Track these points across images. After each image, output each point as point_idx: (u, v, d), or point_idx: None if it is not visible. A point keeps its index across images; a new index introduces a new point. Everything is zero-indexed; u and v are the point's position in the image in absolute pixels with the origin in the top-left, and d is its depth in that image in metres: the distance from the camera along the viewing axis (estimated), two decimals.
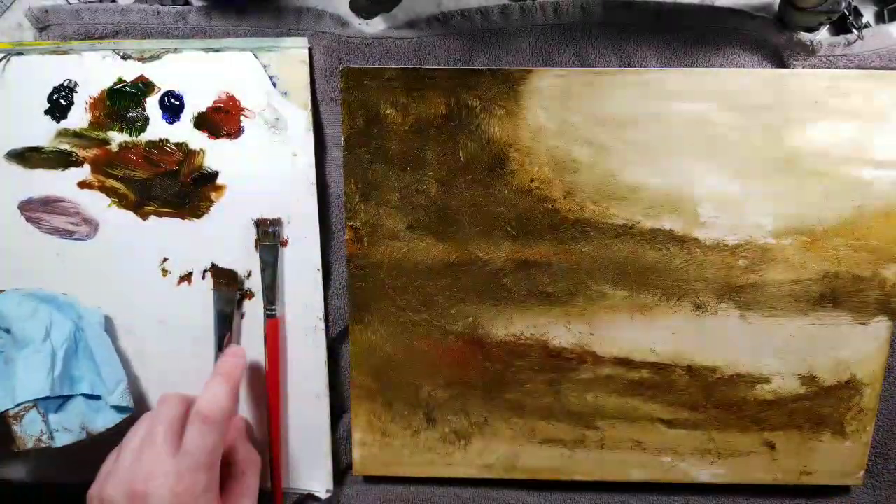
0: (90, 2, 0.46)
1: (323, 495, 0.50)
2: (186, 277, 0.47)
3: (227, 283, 0.46)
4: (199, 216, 0.46)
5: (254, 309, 0.47)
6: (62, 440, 0.43)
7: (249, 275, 0.47)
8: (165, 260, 0.47)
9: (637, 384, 0.47)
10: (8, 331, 0.44)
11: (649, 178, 0.44)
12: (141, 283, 0.47)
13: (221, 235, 0.46)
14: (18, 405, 0.42)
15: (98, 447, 0.47)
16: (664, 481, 0.49)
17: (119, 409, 0.45)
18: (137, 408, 0.47)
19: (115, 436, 0.44)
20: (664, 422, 0.48)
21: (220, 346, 0.46)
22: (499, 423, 0.48)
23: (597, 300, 0.46)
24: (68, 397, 0.44)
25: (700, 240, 0.45)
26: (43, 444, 0.42)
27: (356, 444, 0.49)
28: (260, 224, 0.46)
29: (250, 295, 0.47)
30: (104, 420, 0.45)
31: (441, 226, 0.45)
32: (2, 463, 0.51)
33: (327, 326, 0.48)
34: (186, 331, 0.48)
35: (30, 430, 0.42)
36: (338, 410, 0.50)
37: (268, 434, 0.48)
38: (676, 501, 0.50)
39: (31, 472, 0.51)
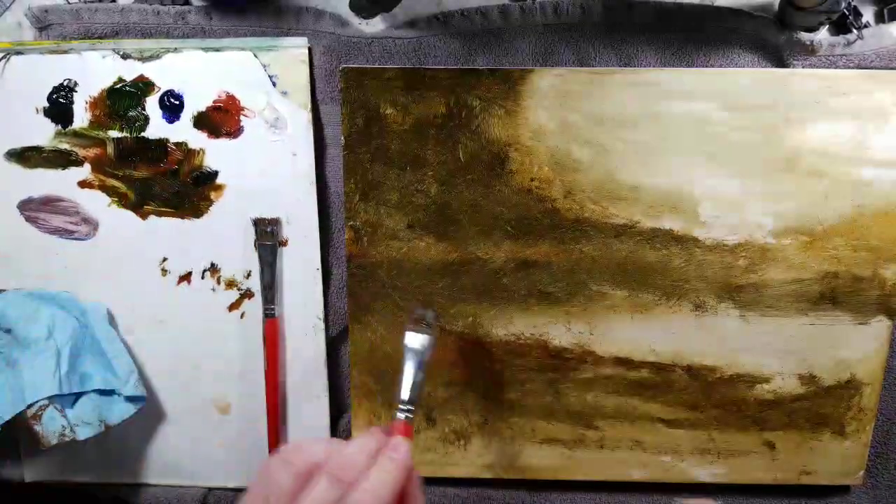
0: (90, 1, 0.46)
1: None
2: (186, 277, 0.47)
3: (423, 322, 0.40)
4: (198, 216, 0.46)
5: (253, 308, 0.47)
6: (84, 433, 0.43)
7: (249, 274, 0.47)
8: (165, 259, 0.47)
9: (637, 384, 0.47)
10: (9, 331, 0.44)
11: (649, 178, 0.44)
12: (141, 282, 0.47)
13: (221, 235, 0.46)
14: (31, 405, 0.42)
15: (96, 446, 0.47)
16: (664, 481, 0.49)
17: (133, 399, 0.46)
18: (140, 409, 0.47)
19: (129, 426, 0.45)
20: (664, 421, 0.48)
21: (410, 399, 0.37)
22: (498, 422, 0.48)
23: (597, 300, 0.46)
24: (80, 393, 0.44)
25: (700, 239, 0.45)
26: (67, 439, 0.42)
27: None
28: (258, 223, 0.46)
29: (250, 294, 0.47)
30: (120, 412, 0.45)
31: (441, 225, 0.45)
32: (1, 463, 0.51)
33: (327, 326, 0.48)
34: (186, 330, 0.48)
35: (51, 427, 0.42)
36: (337, 410, 0.50)
37: (267, 434, 0.48)
38: (676, 501, 0.50)
39: (32, 472, 0.51)
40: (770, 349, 0.46)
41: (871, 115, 0.42)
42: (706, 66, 0.44)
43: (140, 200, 0.46)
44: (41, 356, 0.43)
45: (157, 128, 0.45)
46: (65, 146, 0.45)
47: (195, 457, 0.50)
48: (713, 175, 0.44)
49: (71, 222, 0.46)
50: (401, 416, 0.36)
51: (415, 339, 0.38)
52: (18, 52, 0.44)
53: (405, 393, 0.36)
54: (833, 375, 0.47)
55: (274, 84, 0.44)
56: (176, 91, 0.44)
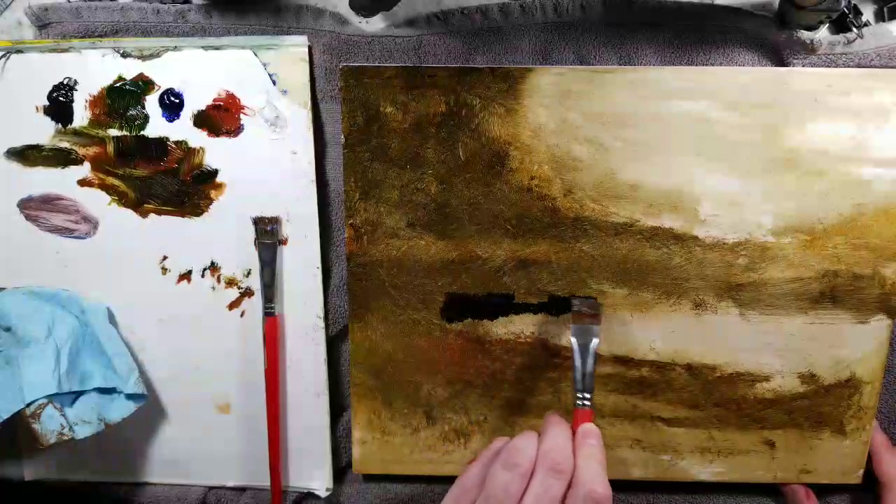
0: (90, 0, 0.46)
1: (323, 494, 0.50)
2: (186, 276, 0.47)
3: (584, 314, 0.42)
4: (198, 214, 0.46)
5: (253, 307, 0.47)
6: (83, 432, 0.43)
7: (249, 273, 0.47)
8: (165, 258, 0.47)
9: (637, 382, 0.47)
10: (8, 329, 0.44)
11: (649, 177, 0.44)
12: (141, 281, 0.47)
13: (221, 234, 0.46)
14: (30, 404, 0.42)
15: (96, 445, 0.47)
16: (664, 479, 0.49)
17: (133, 397, 0.46)
18: (140, 407, 0.47)
19: (129, 425, 0.45)
20: (664, 420, 0.48)
21: (587, 387, 0.40)
22: (498, 421, 0.48)
23: (596, 298, 0.46)
24: (79, 392, 0.44)
25: (700, 238, 0.45)
26: (65, 438, 0.42)
27: (356, 442, 0.49)
28: (258, 222, 0.46)
29: (250, 293, 0.47)
30: (120, 410, 0.45)
31: (441, 224, 0.45)
32: (1, 462, 0.51)
33: (327, 325, 0.48)
34: (186, 329, 0.48)
35: (50, 426, 0.42)
36: (337, 409, 0.50)
37: (267, 433, 0.48)
38: (676, 500, 0.50)
39: (31, 470, 0.51)
40: (770, 348, 0.46)
41: (871, 114, 0.42)
42: (706, 65, 0.44)
43: (140, 199, 0.46)
44: (40, 355, 0.43)
45: (157, 126, 0.45)
46: (65, 145, 0.45)
47: (195, 455, 0.50)
48: (713, 173, 0.44)
49: (71, 221, 0.46)
50: (580, 404, 0.39)
51: (580, 332, 0.41)
52: (18, 51, 0.44)
53: (580, 383, 0.39)
54: (833, 374, 0.47)
55: (274, 82, 0.44)
56: (176, 89, 0.44)
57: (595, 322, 0.41)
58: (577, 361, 0.40)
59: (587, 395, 0.39)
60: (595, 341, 0.40)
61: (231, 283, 0.47)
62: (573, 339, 0.40)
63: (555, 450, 0.34)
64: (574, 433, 0.37)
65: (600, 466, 0.34)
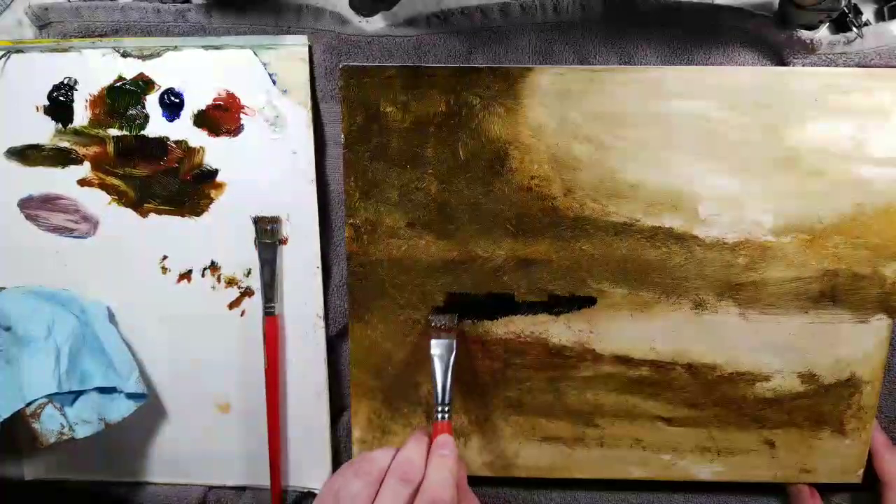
0: None
1: None
2: (186, 275, 0.47)
3: (443, 328, 0.44)
4: (198, 214, 0.46)
5: (253, 307, 0.47)
6: (83, 432, 0.43)
7: (249, 272, 0.47)
8: (165, 258, 0.47)
9: (637, 382, 0.47)
10: (8, 329, 0.44)
11: (649, 176, 0.44)
12: (141, 280, 0.47)
13: (221, 233, 0.46)
14: (30, 403, 0.42)
15: (97, 444, 0.47)
16: (664, 479, 0.49)
17: (134, 396, 0.46)
18: (140, 407, 0.47)
19: (129, 424, 0.45)
20: (664, 419, 0.48)
21: (445, 400, 0.41)
22: (499, 420, 0.48)
23: (596, 298, 0.46)
24: (80, 392, 0.44)
25: (700, 237, 0.45)
26: (65, 437, 0.42)
27: (356, 441, 0.49)
28: (258, 222, 0.46)
29: (250, 293, 0.47)
30: (120, 409, 0.45)
31: (441, 224, 0.45)
32: (2, 462, 0.51)
33: (327, 324, 0.48)
34: (186, 328, 0.48)
35: (50, 426, 0.42)
36: (337, 409, 0.50)
37: (267, 433, 0.48)
38: (676, 499, 0.50)
39: (32, 470, 0.51)
40: (770, 347, 0.46)
41: (871, 113, 0.42)
42: (706, 64, 0.44)
43: (140, 198, 0.46)
44: (40, 354, 0.43)
45: (157, 126, 0.45)
46: (65, 144, 0.45)
47: (195, 455, 0.50)
48: (713, 173, 0.44)
49: (71, 220, 0.46)
50: (440, 416, 0.40)
51: (439, 346, 0.42)
52: (19, 51, 0.44)
53: (440, 396, 0.41)
54: (833, 374, 0.47)
55: (274, 82, 0.44)
56: (176, 89, 0.44)
57: (452, 336, 0.43)
58: (438, 375, 0.41)
59: (446, 408, 0.41)
60: (453, 355, 0.42)
61: (231, 282, 0.47)
62: (433, 354, 0.42)
63: (406, 460, 0.37)
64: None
65: (449, 474, 0.36)
